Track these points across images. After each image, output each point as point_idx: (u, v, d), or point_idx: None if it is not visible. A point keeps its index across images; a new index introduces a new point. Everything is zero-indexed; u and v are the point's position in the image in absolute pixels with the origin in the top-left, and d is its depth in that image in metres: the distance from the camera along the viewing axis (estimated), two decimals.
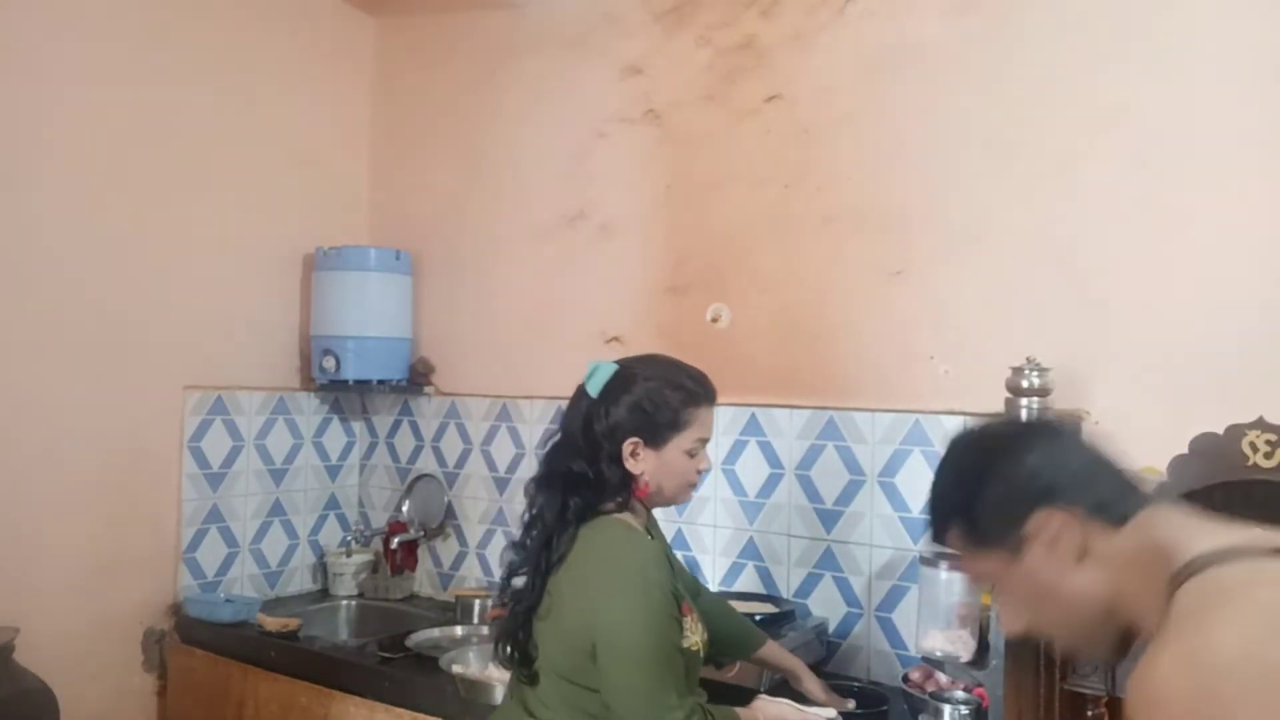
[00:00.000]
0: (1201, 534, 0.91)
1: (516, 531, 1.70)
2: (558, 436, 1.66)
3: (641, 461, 1.59)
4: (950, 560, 1.75)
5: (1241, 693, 0.74)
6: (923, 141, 2.25)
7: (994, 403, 1.92)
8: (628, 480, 1.60)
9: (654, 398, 1.60)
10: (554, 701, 1.56)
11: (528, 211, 2.91)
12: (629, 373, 1.62)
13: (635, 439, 1.59)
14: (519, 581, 1.63)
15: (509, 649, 1.63)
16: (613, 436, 1.58)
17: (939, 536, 1.11)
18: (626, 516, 1.61)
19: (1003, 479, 1.03)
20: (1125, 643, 1.01)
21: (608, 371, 1.62)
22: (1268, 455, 1.45)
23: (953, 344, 2.20)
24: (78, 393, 2.49)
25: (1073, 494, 1.00)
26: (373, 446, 3.22)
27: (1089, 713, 1.57)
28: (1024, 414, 1.82)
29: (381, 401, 3.19)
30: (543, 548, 1.58)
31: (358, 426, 3.24)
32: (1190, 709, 0.75)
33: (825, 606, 2.33)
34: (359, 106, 3.23)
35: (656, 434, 1.60)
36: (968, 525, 1.06)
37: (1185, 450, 1.50)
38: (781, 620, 2.22)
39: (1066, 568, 0.99)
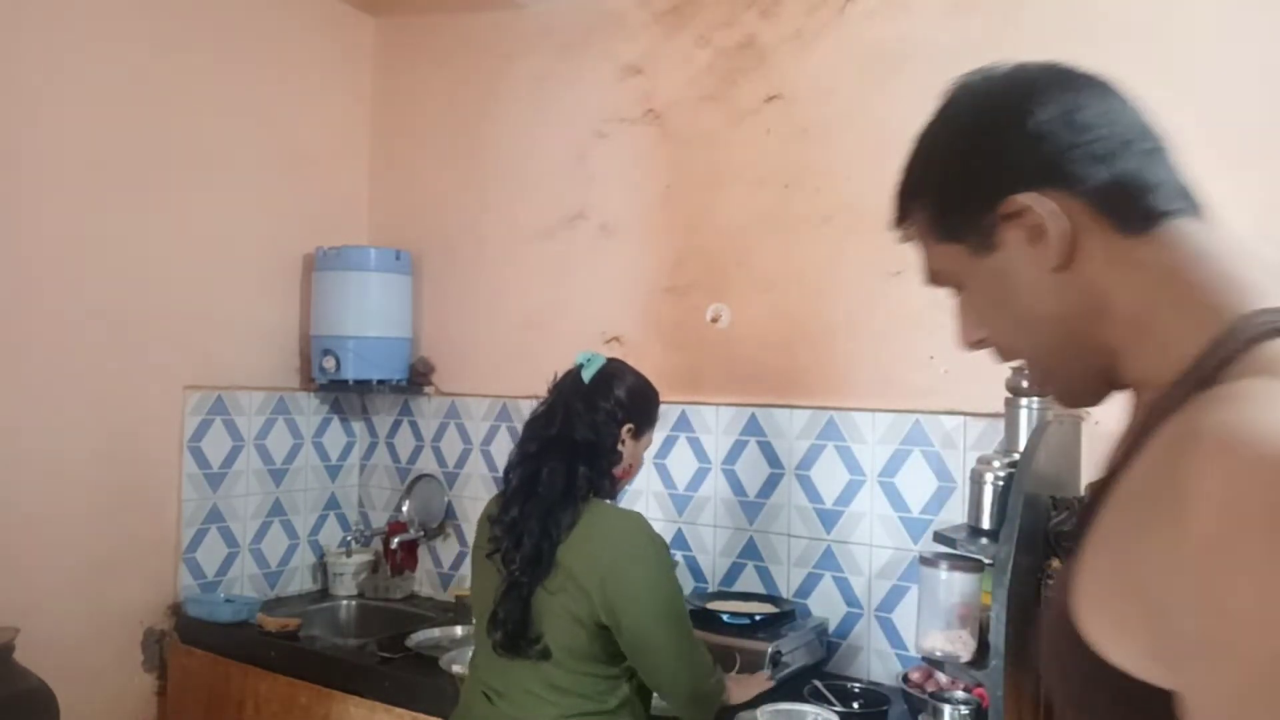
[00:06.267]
0: None
1: None
2: (550, 406, 1.73)
3: (625, 446, 1.73)
4: (950, 559, 1.75)
5: None
6: None
7: (994, 403, 1.93)
8: (616, 460, 1.71)
9: (646, 392, 1.79)
10: (560, 680, 1.56)
11: (528, 211, 2.91)
12: (617, 367, 1.78)
13: (631, 424, 1.73)
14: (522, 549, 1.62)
15: (513, 627, 1.57)
16: (614, 415, 1.71)
17: (901, 218, 0.86)
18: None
19: (991, 144, 0.77)
20: (1110, 383, 0.77)
21: (600, 362, 1.75)
22: None
23: (952, 344, 2.18)
24: (78, 393, 2.49)
25: (1082, 176, 0.72)
26: (373, 446, 3.22)
27: None
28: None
29: (381, 401, 3.19)
30: (546, 515, 1.59)
31: (358, 426, 3.24)
32: None
33: (825, 606, 2.33)
34: (359, 106, 3.24)
35: (642, 425, 1.77)
36: (935, 203, 0.82)
37: None
38: (781, 620, 2.22)
39: (1044, 272, 0.74)
